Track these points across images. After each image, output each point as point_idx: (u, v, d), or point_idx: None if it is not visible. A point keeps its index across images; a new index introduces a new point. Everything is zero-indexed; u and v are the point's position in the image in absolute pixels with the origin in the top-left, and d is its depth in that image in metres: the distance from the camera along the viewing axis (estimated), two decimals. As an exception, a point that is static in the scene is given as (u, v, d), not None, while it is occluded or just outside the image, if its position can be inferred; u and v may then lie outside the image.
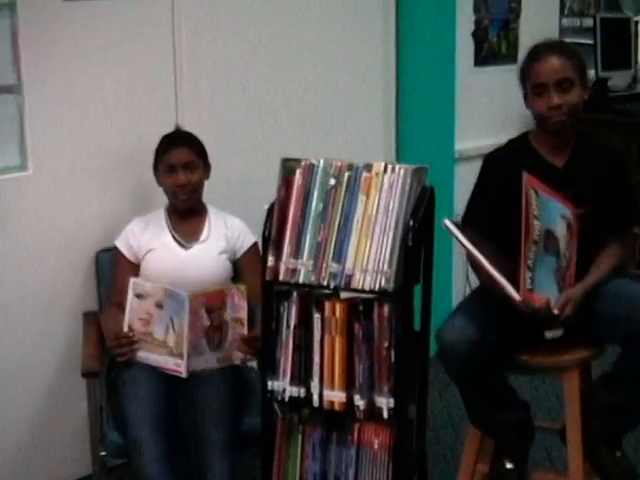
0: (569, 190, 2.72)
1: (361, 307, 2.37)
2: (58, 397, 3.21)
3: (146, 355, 2.81)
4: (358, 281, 2.32)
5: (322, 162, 2.37)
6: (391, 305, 2.35)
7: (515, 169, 2.73)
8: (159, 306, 2.77)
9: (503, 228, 2.68)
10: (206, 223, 3.07)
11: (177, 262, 2.98)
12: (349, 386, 2.39)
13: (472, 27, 4.45)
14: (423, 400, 2.63)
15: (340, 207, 2.34)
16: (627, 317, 2.59)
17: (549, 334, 2.62)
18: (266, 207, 2.41)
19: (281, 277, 2.38)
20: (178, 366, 2.75)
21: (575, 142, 2.83)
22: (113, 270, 3.09)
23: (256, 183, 3.28)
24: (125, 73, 3.19)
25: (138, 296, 2.80)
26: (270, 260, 2.38)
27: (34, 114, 3.01)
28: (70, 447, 3.23)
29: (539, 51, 2.77)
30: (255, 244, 3.02)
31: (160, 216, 3.08)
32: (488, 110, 4.52)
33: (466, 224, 2.73)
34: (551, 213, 2.62)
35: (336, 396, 2.41)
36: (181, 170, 2.97)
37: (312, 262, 2.35)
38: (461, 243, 2.56)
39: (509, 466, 2.75)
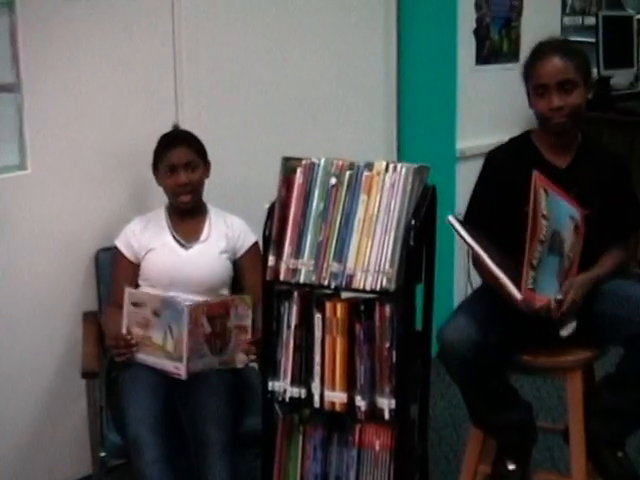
0: (572, 191, 2.71)
1: (362, 307, 2.36)
2: (58, 397, 3.20)
3: (145, 357, 2.79)
4: (359, 281, 2.31)
5: (323, 161, 2.36)
6: (392, 305, 2.33)
7: (517, 168, 2.73)
8: (156, 314, 2.74)
9: (504, 226, 2.67)
10: (206, 223, 3.05)
11: (177, 262, 2.97)
12: (350, 387, 2.38)
13: (473, 25, 4.44)
14: (425, 401, 2.62)
15: (341, 206, 2.33)
16: (628, 319, 2.57)
17: (564, 332, 2.59)
18: (267, 206, 2.40)
19: (282, 277, 2.37)
20: (177, 369, 2.72)
21: (579, 144, 2.82)
22: (113, 270, 3.07)
23: (257, 182, 3.25)
24: (125, 72, 3.17)
25: (134, 304, 2.78)
26: (271, 260, 2.37)
27: (33, 113, 2.99)
28: (70, 447, 3.22)
29: (542, 50, 2.75)
30: (256, 244, 3.00)
31: (160, 216, 3.07)
32: (490, 109, 4.51)
33: (467, 222, 2.71)
34: (560, 214, 2.60)
35: (337, 397, 2.39)
36: (182, 170, 2.95)
37: (313, 262, 2.34)
38: (464, 240, 2.55)
39: (511, 467, 2.73)
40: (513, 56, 4.57)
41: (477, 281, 2.89)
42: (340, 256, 2.32)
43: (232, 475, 2.64)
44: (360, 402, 2.37)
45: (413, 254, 2.30)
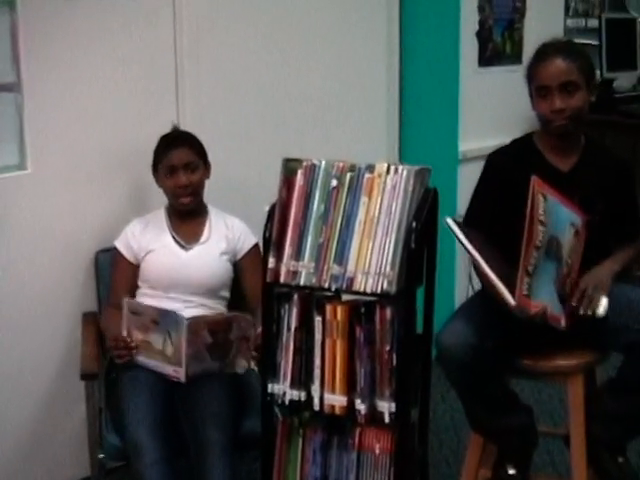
0: (575, 195, 2.69)
1: (363, 310, 2.34)
2: (57, 398, 3.18)
3: (145, 359, 2.77)
4: (360, 283, 2.29)
5: (324, 163, 2.34)
6: (393, 308, 2.32)
7: (518, 170, 2.71)
8: (155, 322, 2.72)
9: (504, 230, 2.65)
10: (207, 224, 3.04)
11: (177, 263, 2.96)
12: (350, 390, 2.37)
13: (476, 27, 4.42)
14: (425, 404, 2.60)
15: (342, 208, 2.32)
16: (627, 325, 2.56)
17: (600, 310, 2.55)
18: (267, 208, 2.38)
19: (282, 279, 2.36)
20: (177, 372, 2.71)
21: (582, 147, 2.80)
22: (112, 271, 3.06)
23: (257, 183, 3.25)
24: (126, 72, 3.17)
25: (133, 313, 2.76)
26: (271, 262, 2.36)
27: (33, 113, 2.98)
28: (69, 449, 3.20)
29: (545, 51, 2.74)
30: (256, 245, 2.99)
31: (160, 217, 3.06)
32: (492, 111, 4.50)
33: (467, 224, 2.70)
34: (558, 219, 2.57)
35: (337, 400, 2.38)
36: (182, 171, 2.94)
37: (313, 264, 2.32)
38: (461, 242, 2.53)
39: (511, 472, 2.72)
40: (516, 58, 4.56)
41: (478, 284, 2.88)
42: (341, 258, 2.30)
43: (232, 477, 2.63)
44: (360, 405, 2.36)
45: (414, 257, 2.28)
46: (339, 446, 2.48)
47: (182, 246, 2.99)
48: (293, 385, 2.41)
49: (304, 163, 2.36)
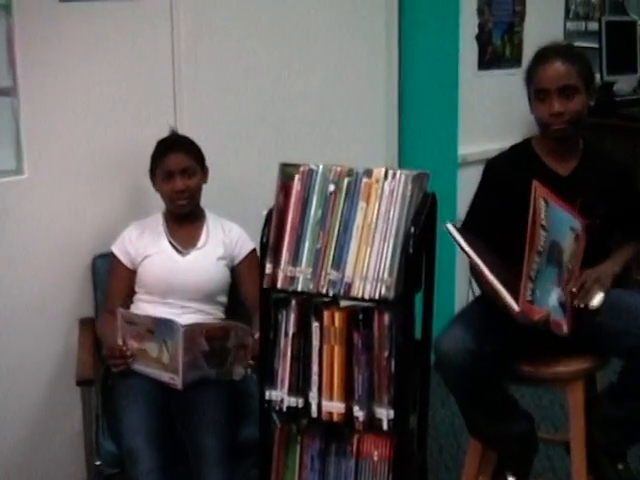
0: (575, 200, 2.68)
1: (361, 316, 2.32)
2: (53, 404, 3.16)
3: (141, 367, 2.75)
4: (358, 289, 2.27)
5: (321, 167, 2.33)
6: (391, 314, 2.30)
7: (517, 176, 2.70)
8: (150, 331, 2.70)
9: (503, 236, 2.64)
10: (204, 229, 3.02)
11: (174, 268, 2.94)
12: (348, 397, 2.35)
13: (476, 30, 4.41)
14: (424, 410, 2.58)
15: (339, 214, 2.30)
16: (627, 330, 2.54)
17: (595, 302, 2.55)
18: (264, 213, 2.37)
19: (279, 285, 2.34)
20: (173, 379, 2.69)
21: (582, 151, 2.79)
22: (109, 276, 3.04)
23: (255, 188, 3.22)
24: (123, 76, 3.15)
25: (128, 322, 2.74)
26: (268, 267, 2.34)
27: (30, 117, 2.96)
28: (65, 455, 3.18)
29: (544, 55, 2.72)
30: (253, 250, 2.97)
31: (157, 221, 3.04)
32: (492, 114, 4.48)
33: (466, 230, 2.68)
34: (560, 224, 2.56)
35: (335, 407, 2.36)
36: (179, 176, 2.92)
37: (311, 270, 2.31)
38: (462, 248, 2.51)
39: (511, 479, 2.70)
40: (515, 61, 4.54)
41: (478, 289, 2.86)
42: (338, 264, 2.28)
43: (229, 484, 2.62)
44: (358, 412, 2.34)
45: (412, 262, 2.27)
46: (337, 453, 2.47)
47: (179, 251, 2.98)
48: (291, 392, 2.39)
49: (301, 168, 2.34)
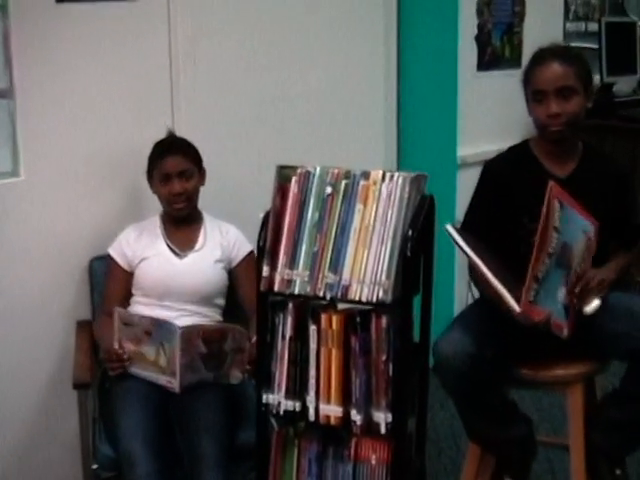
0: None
1: (358, 319, 2.31)
2: (50, 407, 3.14)
3: (138, 370, 2.74)
4: (355, 292, 2.26)
5: (318, 170, 2.31)
6: (389, 317, 2.29)
7: (515, 177, 2.69)
8: (147, 333, 2.68)
9: (502, 237, 2.62)
10: (201, 231, 3.01)
11: (171, 271, 2.93)
12: (346, 400, 2.33)
13: (475, 31, 4.39)
14: (422, 413, 2.56)
15: (337, 216, 2.28)
16: (627, 333, 2.53)
17: (588, 308, 2.53)
18: (261, 215, 2.35)
19: (276, 288, 2.33)
20: (170, 383, 2.67)
21: (580, 153, 2.77)
22: (106, 278, 3.03)
23: (253, 190, 3.20)
24: (120, 77, 3.13)
25: (125, 324, 2.73)
26: (265, 270, 2.33)
27: (26, 119, 2.95)
28: (62, 459, 3.16)
29: (542, 56, 2.71)
30: (251, 253, 2.95)
31: (155, 224, 3.02)
32: (491, 115, 4.47)
33: (465, 232, 2.67)
34: (573, 227, 2.53)
35: (332, 410, 2.34)
36: (176, 179, 2.91)
37: (308, 272, 2.29)
38: (462, 249, 2.49)
39: (510, 483, 2.70)
40: (515, 62, 4.52)
41: (477, 292, 2.84)
42: (336, 267, 2.27)
43: (226, 488, 2.60)
44: (356, 416, 2.32)
45: (410, 265, 2.25)
46: (335, 457, 2.45)
47: (176, 254, 2.96)
48: (288, 395, 2.38)
49: (298, 170, 2.32)
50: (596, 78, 4.52)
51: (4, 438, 3.08)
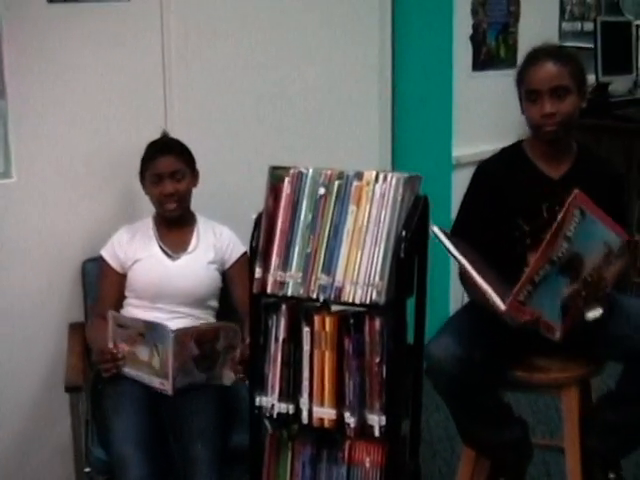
0: (566, 203, 2.65)
1: (352, 321, 2.29)
2: (42, 410, 3.13)
3: (132, 371, 2.72)
4: (348, 294, 2.24)
5: (311, 170, 2.29)
6: (382, 319, 2.27)
7: (509, 179, 2.68)
8: (141, 334, 2.67)
9: (494, 239, 2.61)
10: (194, 233, 2.99)
11: (164, 273, 2.91)
12: (339, 403, 2.31)
13: (470, 31, 4.38)
14: (417, 416, 2.54)
15: (330, 217, 2.26)
16: (625, 335, 2.52)
17: (590, 314, 2.49)
18: (254, 217, 2.33)
19: (269, 289, 2.31)
20: (163, 385, 2.65)
21: (575, 154, 2.75)
22: (99, 280, 3.01)
23: (247, 191, 3.18)
24: (113, 78, 3.11)
25: (119, 326, 2.71)
26: (257, 272, 2.31)
27: (18, 120, 2.93)
28: (54, 462, 3.14)
29: (536, 56, 2.70)
30: (244, 254, 2.93)
31: (148, 225, 3.01)
32: (487, 115, 4.46)
33: (456, 233, 2.65)
34: (591, 237, 2.45)
35: (326, 413, 2.33)
36: (168, 179, 2.89)
37: (301, 274, 2.27)
38: (448, 251, 2.47)
39: (505, 487, 2.68)
40: (510, 62, 4.50)
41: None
42: (329, 268, 2.25)
43: (219, 492, 2.58)
44: (349, 419, 2.30)
45: (404, 266, 2.23)
46: (329, 459, 2.43)
47: (169, 255, 2.95)
48: (281, 398, 2.36)
49: (291, 171, 2.30)
50: (592, 78, 4.51)
51: (-4, 440, 3.07)
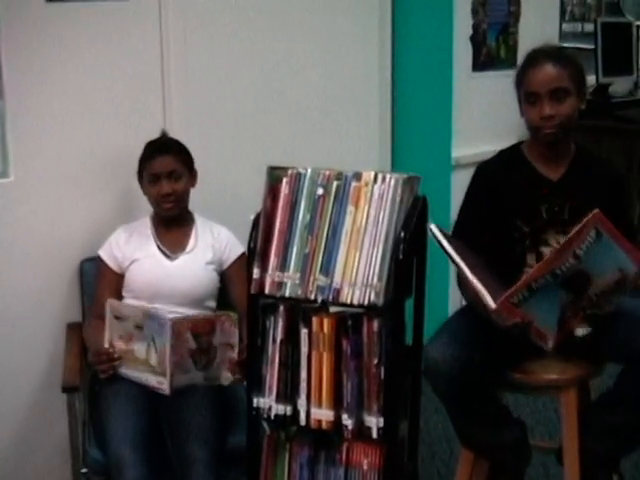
0: (565, 205, 2.64)
1: (350, 322, 2.28)
2: (39, 411, 3.12)
3: (128, 372, 2.71)
4: (346, 295, 2.23)
5: (309, 171, 2.28)
6: (381, 320, 2.26)
7: (507, 180, 2.67)
8: (139, 327, 2.65)
9: (493, 240, 2.60)
10: (192, 233, 2.98)
11: (162, 273, 2.90)
12: (337, 404, 2.30)
13: (470, 31, 4.37)
14: (415, 417, 2.53)
15: (328, 218, 2.25)
16: (627, 336, 2.50)
17: (579, 331, 2.50)
18: (252, 217, 2.32)
19: (267, 290, 2.30)
20: (161, 384, 2.64)
21: (572, 155, 2.74)
22: (97, 281, 2.99)
23: (246, 192, 3.17)
24: (111, 77, 3.11)
25: (116, 317, 2.70)
26: (255, 272, 2.30)
27: (16, 119, 2.92)
28: (51, 463, 3.14)
29: (535, 57, 2.68)
30: (243, 255, 2.92)
31: (145, 225, 3.00)
32: (486, 116, 4.44)
33: (457, 235, 2.65)
34: (604, 259, 2.40)
35: (324, 414, 2.31)
36: (165, 179, 2.88)
37: (299, 275, 2.26)
38: (444, 250, 2.46)
39: (503, 488, 2.67)
40: (510, 63, 4.49)
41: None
42: (327, 269, 2.24)
43: (216, 493, 2.57)
44: (347, 420, 2.29)
45: (402, 267, 2.22)
46: (326, 461, 2.42)
47: (167, 255, 2.94)
48: (279, 399, 2.35)
49: (289, 171, 2.29)
50: (592, 79, 4.50)
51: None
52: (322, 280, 2.25)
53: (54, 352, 3.07)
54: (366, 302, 2.22)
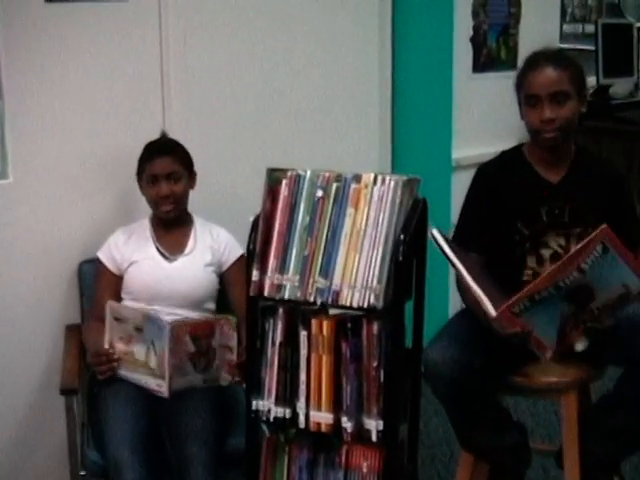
0: (565, 207, 2.63)
1: (349, 325, 2.27)
2: (38, 413, 3.10)
3: (127, 373, 2.70)
4: (346, 297, 2.23)
5: (309, 173, 2.28)
6: (380, 323, 2.25)
7: (508, 182, 2.66)
8: (138, 329, 2.65)
9: (496, 242, 2.59)
10: (191, 234, 2.97)
11: (161, 275, 2.89)
12: (336, 407, 2.30)
13: (470, 32, 4.36)
14: (415, 420, 2.53)
15: (327, 220, 2.25)
16: (629, 339, 2.49)
17: (579, 346, 2.47)
18: (251, 219, 2.32)
19: (266, 292, 2.30)
20: (160, 386, 2.63)
21: (573, 158, 2.73)
22: (95, 282, 2.99)
23: (245, 193, 3.16)
24: (110, 78, 3.09)
25: (116, 319, 2.69)
26: (254, 274, 2.30)
27: (15, 120, 2.91)
28: (50, 465, 3.12)
29: (535, 60, 2.67)
30: (242, 257, 2.90)
31: (144, 227, 2.99)
32: (487, 117, 4.43)
33: (458, 238, 2.64)
34: (609, 274, 2.39)
35: (323, 417, 2.31)
36: (164, 180, 2.87)
37: (298, 277, 2.27)
38: (446, 255, 2.44)
39: (504, 492, 2.66)
40: (511, 64, 4.48)
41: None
42: (326, 271, 2.24)
43: (215, 495, 2.57)
44: (346, 423, 2.29)
45: (402, 270, 2.22)
46: (326, 464, 2.42)
47: (166, 257, 2.93)
48: (278, 402, 2.35)
49: (289, 173, 2.29)
50: (592, 80, 4.49)
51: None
52: (321, 282, 2.25)
53: (53, 354, 3.05)
54: (366, 304, 2.21)
